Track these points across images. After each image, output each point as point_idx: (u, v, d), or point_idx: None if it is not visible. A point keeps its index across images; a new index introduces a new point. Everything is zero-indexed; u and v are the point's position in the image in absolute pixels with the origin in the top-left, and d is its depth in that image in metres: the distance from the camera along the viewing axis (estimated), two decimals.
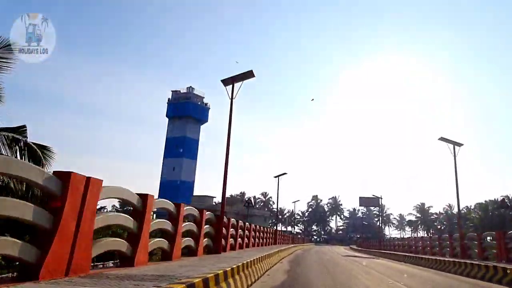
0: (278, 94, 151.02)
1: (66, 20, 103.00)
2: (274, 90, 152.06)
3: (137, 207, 5.97)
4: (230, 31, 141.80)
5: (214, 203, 59.75)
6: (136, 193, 6.07)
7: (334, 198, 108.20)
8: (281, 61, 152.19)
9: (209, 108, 77.46)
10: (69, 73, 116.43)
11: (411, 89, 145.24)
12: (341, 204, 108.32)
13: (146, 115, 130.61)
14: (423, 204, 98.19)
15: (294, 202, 55.31)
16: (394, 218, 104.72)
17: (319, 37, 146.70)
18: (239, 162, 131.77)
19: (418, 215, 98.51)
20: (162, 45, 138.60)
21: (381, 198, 39.72)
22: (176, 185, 67.43)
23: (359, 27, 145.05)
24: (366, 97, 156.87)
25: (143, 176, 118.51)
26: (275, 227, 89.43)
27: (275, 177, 35.30)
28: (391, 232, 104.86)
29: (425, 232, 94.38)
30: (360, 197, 44.00)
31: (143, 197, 6.13)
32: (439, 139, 19.35)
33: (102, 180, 4.75)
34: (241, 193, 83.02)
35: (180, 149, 70.05)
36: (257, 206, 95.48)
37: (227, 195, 52.92)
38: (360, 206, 40.71)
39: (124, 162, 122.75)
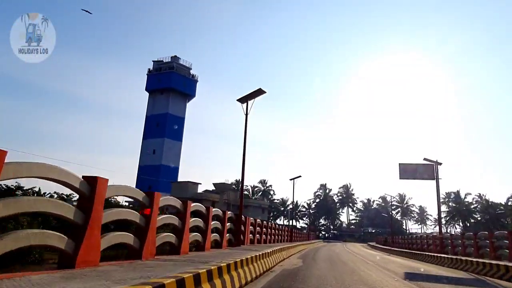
0: (280, 86, 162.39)
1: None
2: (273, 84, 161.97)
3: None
4: (231, 30, 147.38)
5: (202, 191, 63.52)
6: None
7: (345, 187, 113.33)
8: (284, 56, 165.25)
9: (197, 81, 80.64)
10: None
11: (417, 83, 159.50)
12: (354, 194, 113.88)
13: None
14: (458, 192, 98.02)
15: (293, 179, 47.48)
16: (414, 210, 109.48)
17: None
18: (237, 152, 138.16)
19: (452, 205, 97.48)
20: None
21: (439, 164, 31.25)
22: (157, 170, 71.14)
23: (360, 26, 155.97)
24: (372, 95, 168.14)
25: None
26: (270, 218, 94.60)
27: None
28: (410, 226, 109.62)
29: (461, 226, 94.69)
30: (400, 164, 33.18)
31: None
32: None
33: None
34: (236, 181, 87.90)
35: (164, 124, 73.28)
36: (255, 196, 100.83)
37: (218, 181, 56.28)
38: (400, 178, 33.21)
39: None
